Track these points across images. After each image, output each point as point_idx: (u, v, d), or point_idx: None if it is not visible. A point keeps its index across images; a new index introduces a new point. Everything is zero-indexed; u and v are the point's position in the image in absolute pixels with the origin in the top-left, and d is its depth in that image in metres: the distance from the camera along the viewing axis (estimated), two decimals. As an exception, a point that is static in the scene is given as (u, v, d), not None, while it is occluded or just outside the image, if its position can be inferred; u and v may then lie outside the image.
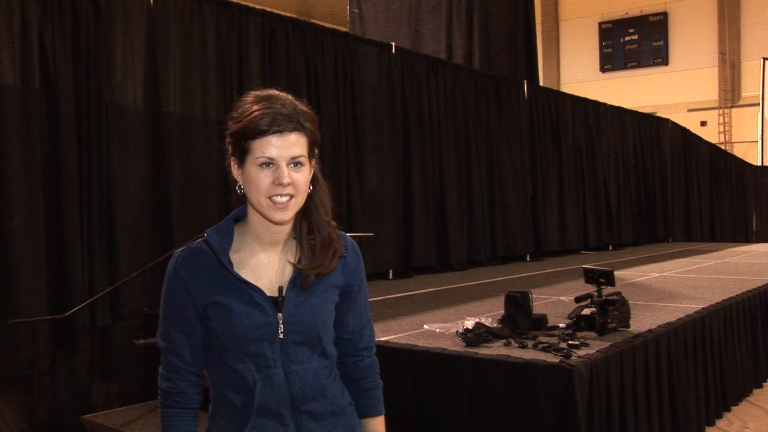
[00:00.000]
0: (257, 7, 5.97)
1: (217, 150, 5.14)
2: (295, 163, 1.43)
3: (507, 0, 10.55)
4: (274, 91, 1.47)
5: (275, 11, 6.08)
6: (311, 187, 1.50)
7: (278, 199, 1.42)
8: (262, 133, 1.40)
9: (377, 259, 6.71)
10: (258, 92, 1.47)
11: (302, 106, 1.47)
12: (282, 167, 1.41)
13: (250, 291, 1.46)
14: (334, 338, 1.59)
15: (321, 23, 6.68)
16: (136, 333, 4.65)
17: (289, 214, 1.45)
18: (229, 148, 1.48)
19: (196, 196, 5.16)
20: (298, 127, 1.43)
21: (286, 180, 1.41)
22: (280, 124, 1.41)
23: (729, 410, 4.63)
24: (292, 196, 1.43)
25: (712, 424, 4.33)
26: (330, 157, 6.33)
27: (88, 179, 4.52)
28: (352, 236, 1.65)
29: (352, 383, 1.62)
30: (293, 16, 7.65)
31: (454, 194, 7.92)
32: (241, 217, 1.54)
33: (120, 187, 4.71)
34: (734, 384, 4.75)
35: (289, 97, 1.47)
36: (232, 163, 1.48)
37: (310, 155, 1.48)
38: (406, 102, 7.36)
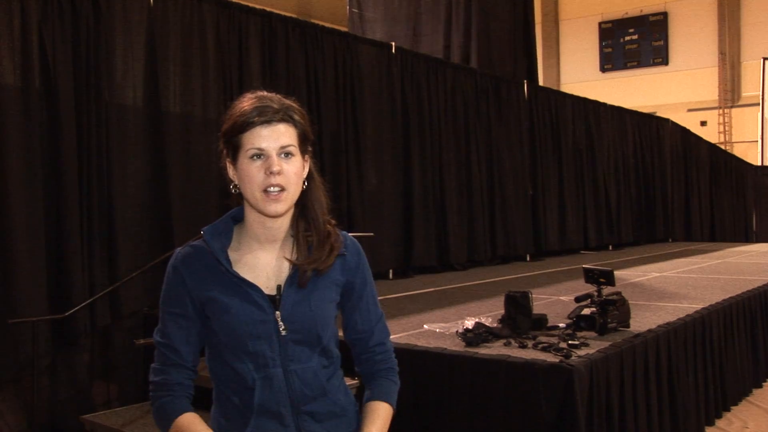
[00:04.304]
0: (257, 7, 5.97)
1: (217, 150, 5.13)
2: (285, 153, 1.45)
3: (506, 0, 10.55)
4: (263, 92, 1.51)
5: (275, 11, 6.08)
6: (306, 183, 1.52)
7: (271, 189, 1.43)
8: (251, 124, 1.43)
9: (377, 259, 6.70)
10: (248, 93, 1.51)
11: (291, 102, 1.50)
12: (272, 157, 1.43)
13: (247, 289, 1.47)
14: (346, 339, 1.60)
15: (321, 23, 6.68)
16: (136, 333, 4.65)
17: (282, 206, 1.46)
18: (223, 149, 1.51)
19: (196, 196, 5.16)
20: (286, 118, 1.46)
21: (275, 168, 1.42)
22: (267, 114, 1.44)
23: (729, 410, 4.63)
24: (284, 188, 1.44)
25: (712, 424, 4.33)
26: (330, 157, 6.33)
27: (88, 179, 4.51)
28: (352, 236, 1.65)
29: (368, 379, 1.63)
30: (293, 16, 7.65)
31: (454, 194, 7.91)
32: (239, 218, 1.55)
33: (120, 187, 4.70)
34: (734, 384, 4.75)
35: (278, 95, 1.51)
36: (227, 164, 1.51)
37: (302, 149, 1.49)
38: (406, 102, 7.35)
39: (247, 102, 1.47)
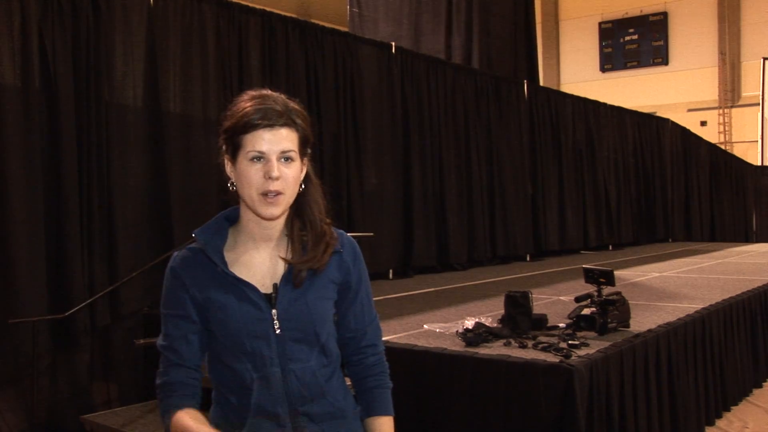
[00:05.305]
0: (257, 7, 5.97)
1: (217, 150, 5.14)
2: (286, 158, 1.45)
3: (507, 0, 10.55)
4: (267, 91, 1.50)
5: (275, 11, 6.08)
6: (302, 186, 1.51)
7: (268, 193, 1.43)
8: (254, 127, 1.43)
9: (377, 259, 6.71)
10: (252, 92, 1.50)
11: (294, 104, 1.50)
12: (272, 161, 1.43)
13: (243, 288, 1.47)
14: (338, 338, 1.58)
15: (321, 23, 6.68)
16: (136, 333, 4.65)
17: (278, 210, 1.46)
18: (223, 145, 1.50)
19: (195, 195, 5.16)
20: (288, 123, 1.46)
21: (275, 173, 1.42)
22: (271, 118, 1.43)
23: (729, 410, 4.63)
24: (281, 192, 1.44)
25: (712, 424, 4.33)
26: (330, 157, 6.33)
27: (88, 179, 4.52)
28: (352, 236, 1.65)
29: (357, 382, 1.62)
30: (293, 16, 7.64)
31: (454, 194, 7.92)
32: (233, 218, 1.55)
33: (120, 187, 4.71)
34: (734, 384, 4.75)
35: (282, 96, 1.50)
36: (225, 161, 1.50)
37: (302, 152, 1.49)
38: (406, 102, 7.36)
39: (250, 102, 1.45)
